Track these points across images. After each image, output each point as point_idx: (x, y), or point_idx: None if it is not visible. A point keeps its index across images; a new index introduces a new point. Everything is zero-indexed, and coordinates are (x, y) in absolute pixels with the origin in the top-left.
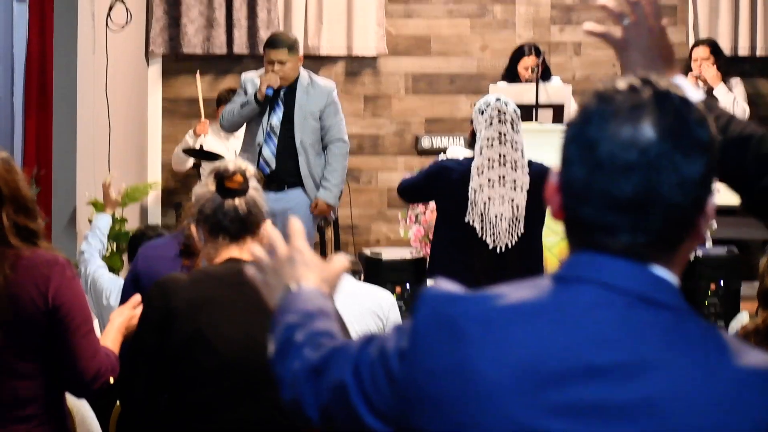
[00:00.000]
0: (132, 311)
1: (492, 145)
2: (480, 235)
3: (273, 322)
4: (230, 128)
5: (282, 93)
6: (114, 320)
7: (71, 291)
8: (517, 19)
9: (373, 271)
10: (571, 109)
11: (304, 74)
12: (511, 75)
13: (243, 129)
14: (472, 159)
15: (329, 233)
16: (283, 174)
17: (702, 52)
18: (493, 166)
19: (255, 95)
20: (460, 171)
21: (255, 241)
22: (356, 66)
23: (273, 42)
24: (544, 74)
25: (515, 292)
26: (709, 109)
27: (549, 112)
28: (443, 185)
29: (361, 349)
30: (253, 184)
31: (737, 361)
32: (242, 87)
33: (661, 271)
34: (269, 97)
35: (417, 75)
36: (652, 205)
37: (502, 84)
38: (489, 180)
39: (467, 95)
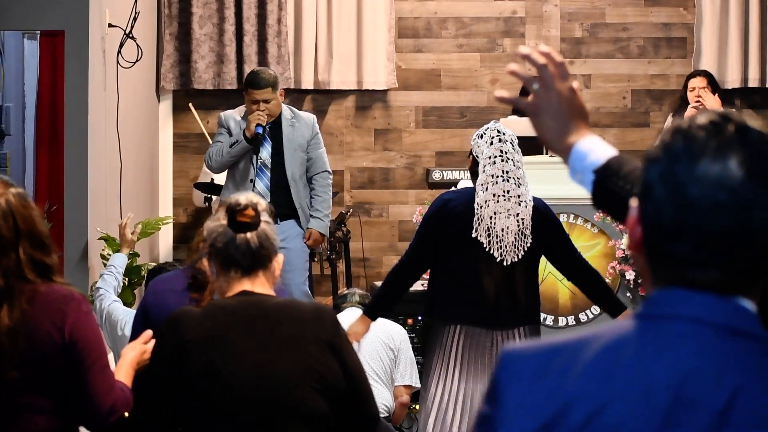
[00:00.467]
0: (143, 346)
1: (495, 162)
2: (487, 249)
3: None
4: (219, 169)
5: (268, 128)
6: (126, 355)
7: (87, 326)
8: None
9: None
10: None
11: (285, 108)
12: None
13: None
14: (469, 188)
15: (341, 266)
16: (277, 206)
17: (699, 81)
18: (497, 182)
19: (244, 134)
20: (459, 197)
21: (267, 274)
22: (366, 100)
23: (256, 82)
24: None
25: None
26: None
27: None
28: (446, 216)
29: None
30: (265, 218)
31: None
32: (224, 126)
33: (745, 303)
34: (259, 134)
35: (427, 109)
36: (744, 242)
37: (513, 117)
38: (494, 195)
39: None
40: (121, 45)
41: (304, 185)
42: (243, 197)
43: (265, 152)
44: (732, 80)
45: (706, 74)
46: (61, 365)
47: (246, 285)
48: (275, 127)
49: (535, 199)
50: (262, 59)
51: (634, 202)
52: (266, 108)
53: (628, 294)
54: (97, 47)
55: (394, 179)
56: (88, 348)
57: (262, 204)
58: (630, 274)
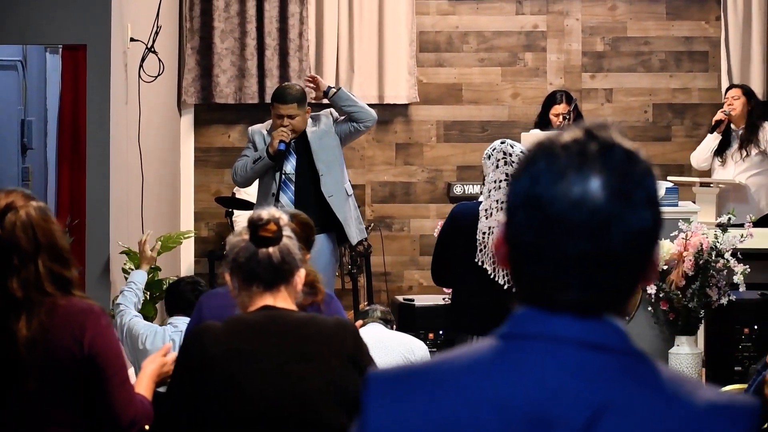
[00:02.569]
0: (163, 358)
1: (499, 187)
2: (492, 275)
3: None
4: (244, 183)
5: (293, 143)
6: (146, 367)
7: (106, 339)
8: (548, 67)
9: (406, 317)
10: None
11: (308, 121)
12: (543, 122)
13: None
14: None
15: (362, 280)
16: None
17: (733, 92)
18: (501, 208)
19: (267, 150)
20: (470, 215)
21: (289, 289)
22: (388, 114)
23: (282, 97)
24: (577, 121)
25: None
26: None
27: None
28: (457, 231)
29: None
30: (287, 233)
31: (692, 398)
32: (250, 140)
33: (608, 319)
34: (281, 151)
35: (448, 123)
36: (604, 263)
37: (535, 131)
38: (498, 222)
39: None
40: (143, 59)
41: (345, 198)
42: (265, 212)
43: (290, 166)
44: (756, 93)
45: (741, 86)
46: (80, 378)
47: (268, 300)
48: (300, 140)
49: None
50: (284, 73)
51: (502, 219)
52: (291, 124)
53: (649, 308)
54: (119, 61)
55: (416, 193)
56: (107, 361)
57: (285, 219)
58: (651, 289)
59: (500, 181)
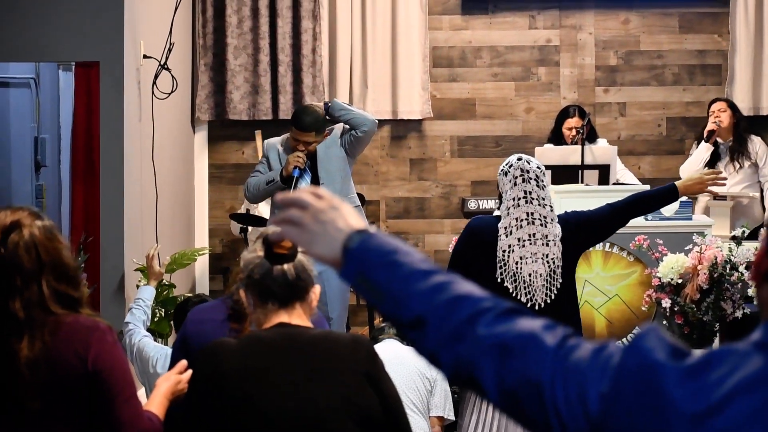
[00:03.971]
0: (178, 376)
1: (518, 204)
2: (513, 293)
3: (372, 264)
4: (255, 201)
5: (307, 166)
6: (160, 385)
7: (112, 356)
8: (561, 81)
9: None
10: (617, 170)
11: None
12: (557, 137)
13: None
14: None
15: None
16: None
17: (719, 105)
18: (521, 226)
19: (281, 173)
20: (489, 230)
21: (304, 306)
22: (402, 129)
23: (301, 124)
24: (590, 136)
25: (719, 367)
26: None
27: (595, 174)
28: (476, 247)
29: (559, 356)
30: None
31: None
32: (264, 154)
33: None
34: (295, 177)
35: (462, 138)
36: None
37: (549, 146)
38: (519, 239)
39: None
40: (156, 76)
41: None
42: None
43: (304, 183)
44: (766, 106)
45: (726, 100)
46: (85, 396)
47: (283, 317)
48: (312, 156)
49: (560, 217)
50: (297, 89)
51: (765, 232)
52: (307, 149)
53: (664, 322)
54: (132, 78)
55: (430, 209)
56: (113, 378)
57: None
58: (666, 302)
59: (519, 198)
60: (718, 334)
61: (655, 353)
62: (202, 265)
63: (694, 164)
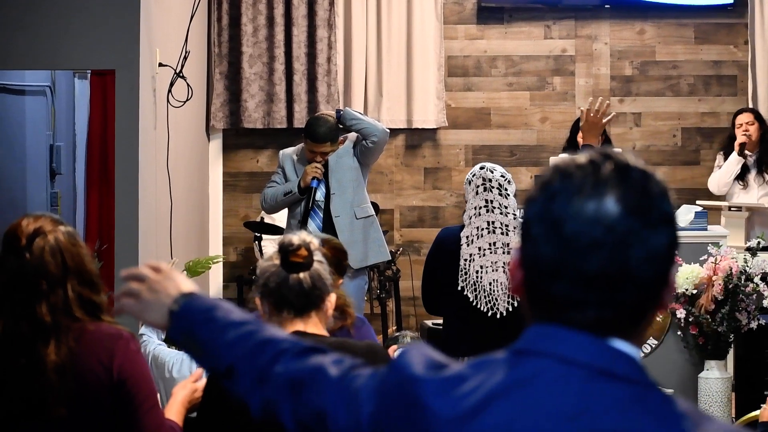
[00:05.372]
0: (194, 384)
1: (479, 213)
2: (474, 302)
3: (193, 322)
4: (272, 212)
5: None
6: (177, 394)
7: (135, 365)
8: (576, 91)
9: (434, 342)
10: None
11: None
12: (572, 146)
13: None
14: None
15: (390, 305)
16: None
17: (746, 117)
18: (482, 235)
19: (299, 184)
20: (454, 240)
21: (320, 314)
22: (416, 138)
23: (314, 136)
24: (605, 145)
25: (475, 375)
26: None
27: None
28: (442, 257)
29: (342, 386)
30: (318, 258)
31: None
32: (280, 165)
33: (621, 344)
34: (313, 188)
35: (477, 147)
36: (621, 281)
37: (564, 156)
38: (479, 249)
39: (527, 167)
40: (172, 84)
41: (351, 220)
42: (296, 237)
43: (320, 193)
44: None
45: (752, 110)
46: (109, 404)
47: (299, 326)
48: (327, 166)
49: None
50: (312, 98)
51: (516, 245)
52: (324, 159)
53: (678, 332)
54: (147, 86)
55: (444, 218)
56: (137, 387)
57: (315, 243)
58: (681, 313)
59: (480, 207)
60: (732, 345)
61: (412, 368)
62: (216, 273)
63: (724, 177)
